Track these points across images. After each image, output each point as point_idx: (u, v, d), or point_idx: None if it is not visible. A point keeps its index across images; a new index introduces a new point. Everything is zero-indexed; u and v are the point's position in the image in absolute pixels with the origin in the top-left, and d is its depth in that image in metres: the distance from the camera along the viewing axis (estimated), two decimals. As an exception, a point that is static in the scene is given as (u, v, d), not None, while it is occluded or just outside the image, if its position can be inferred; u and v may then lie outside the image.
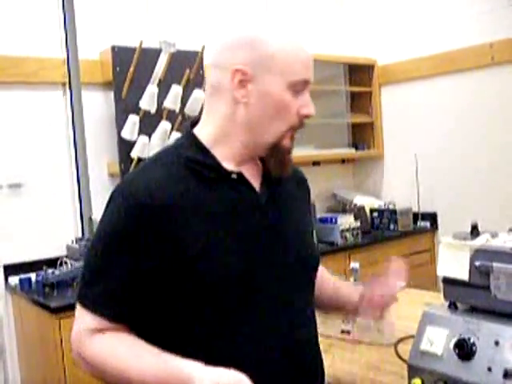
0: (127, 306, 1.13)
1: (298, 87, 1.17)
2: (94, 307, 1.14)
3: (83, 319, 1.15)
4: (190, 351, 1.09)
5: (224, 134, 1.20)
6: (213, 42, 1.25)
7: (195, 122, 1.26)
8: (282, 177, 1.26)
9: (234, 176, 1.19)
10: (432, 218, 4.13)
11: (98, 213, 3.12)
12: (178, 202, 1.13)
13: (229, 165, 1.20)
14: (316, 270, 1.36)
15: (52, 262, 2.94)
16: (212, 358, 1.07)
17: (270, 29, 1.19)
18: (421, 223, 4.14)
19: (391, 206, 4.09)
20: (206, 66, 3.40)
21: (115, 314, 1.13)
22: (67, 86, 3.13)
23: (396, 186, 4.39)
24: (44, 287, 2.76)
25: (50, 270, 2.81)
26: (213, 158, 1.19)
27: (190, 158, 1.18)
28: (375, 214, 4.17)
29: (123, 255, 1.12)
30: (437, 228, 4.12)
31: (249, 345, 1.15)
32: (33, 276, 2.85)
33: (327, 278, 1.51)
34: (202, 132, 1.22)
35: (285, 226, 1.26)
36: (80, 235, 3.15)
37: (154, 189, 1.12)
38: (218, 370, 1.02)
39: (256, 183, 1.23)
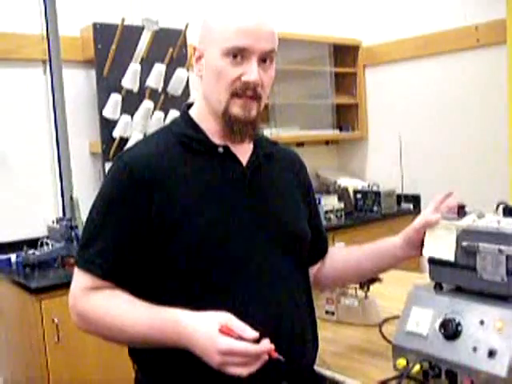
0: (117, 265, 1.21)
1: (232, 53, 1.21)
2: (87, 267, 1.22)
3: (79, 279, 1.24)
4: None
5: (203, 111, 1.31)
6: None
7: (191, 104, 1.36)
8: (238, 143, 1.29)
9: (220, 150, 1.28)
10: (415, 200, 4.15)
11: (79, 192, 3.08)
12: (166, 172, 1.22)
13: (216, 139, 1.29)
14: (301, 245, 1.37)
15: (32, 243, 2.90)
16: None
17: (219, 7, 1.26)
18: (404, 205, 4.16)
19: (375, 188, 4.10)
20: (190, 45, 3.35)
21: (105, 272, 1.21)
22: (47, 63, 3.06)
23: (380, 167, 4.39)
24: (24, 268, 2.72)
25: (30, 251, 2.77)
26: (202, 132, 1.29)
27: (181, 133, 1.29)
28: (359, 196, 4.17)
29: (114, 218, 1.21)
30: (420, 210, 4.13)
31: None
32: (12, 257, 2.81)
33: (348, 249, 1.57)
34: (192, 111, 1.34)
35: (268, 200, 1.32)
36: (61, 215, 3.11)
37: (146, 159, 1.23)
38: (205, 313, 1.11)
39: (244, 158, 1.30)
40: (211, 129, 1.29)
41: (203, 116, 1.30)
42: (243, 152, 1.31)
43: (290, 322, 1.27)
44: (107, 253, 1.21)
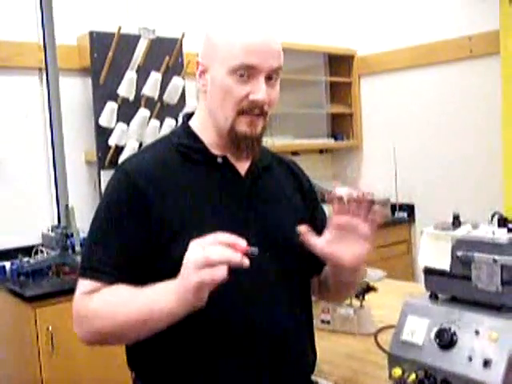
0: (122, 271, 1.19)
1: (239, 72, 1.19)
2: (92, 275, 1.20)
3: (83, 287, 1.21)
4: (172, 326, 1.12)
5: (205, 123, 1.30)
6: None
7: (191, 114, 1.36)
8: (244, 159, 1.29)
9: (219, 160, 1.28)
10: (410, 209, 4.16)
11: (74, 200, 3.08)
12: (165, 182, 1.22)
13: (215, 150, 1.29)
14: (300, 255, 1.33)
15: (27, 251, 2.90)
16: (194, 336, 1.13)
17: (224, 21, 1.25)
18: (399, 214, 4.17)
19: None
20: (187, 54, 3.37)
21: (111, 279, 1.19)
22: (44, 71, 3.07)
23: (374, 177, 4.40)
24: (19, 276, 2.71)
25: (25, 259, 2.77)
26: (201, 143, 1.29)
27: (180, 142, 1.29)
28: (353, 205, 4.17)
29: (115, 227, 1.21)
30: (414, 219, 4.15)
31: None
32: (7, 264, 2.80)
33: None
34: (193, 121, 1.33)
35: (267, 211, 1.30)
36: (56, 223, 3.10)
37: (145, 168, 1.23)
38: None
39: (242, 169, 1.30)
40: (211, 140, 1.28)
41: (204, 127, 1.29)
42: (242, 163, 1.31)
43: (289, 333, 1.27)
44: (109, 261, 1.20)
